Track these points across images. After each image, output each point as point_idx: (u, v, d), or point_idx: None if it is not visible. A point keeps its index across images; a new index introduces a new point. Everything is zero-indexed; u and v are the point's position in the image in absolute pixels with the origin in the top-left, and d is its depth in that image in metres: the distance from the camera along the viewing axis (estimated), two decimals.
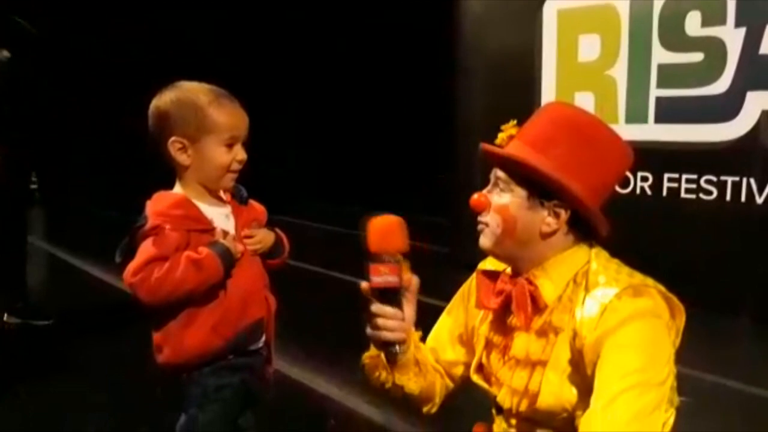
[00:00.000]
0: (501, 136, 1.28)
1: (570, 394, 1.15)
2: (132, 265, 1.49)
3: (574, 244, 1.22)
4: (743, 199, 3.94)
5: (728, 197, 4.01)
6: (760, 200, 3.89)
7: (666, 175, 4.26)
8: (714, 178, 4.06)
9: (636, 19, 4.29)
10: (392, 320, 1.17)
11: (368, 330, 1.20)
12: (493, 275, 1.27)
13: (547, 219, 1.19)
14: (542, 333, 1.20)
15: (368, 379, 1.34)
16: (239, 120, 1.59)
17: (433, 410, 1.42)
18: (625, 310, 1.10)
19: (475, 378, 1.34)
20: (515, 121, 1.29)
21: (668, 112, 4.20)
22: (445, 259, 5.62)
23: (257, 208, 1.75)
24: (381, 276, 1.13)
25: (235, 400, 1.64)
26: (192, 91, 1.56)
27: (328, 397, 2.97)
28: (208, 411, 1.60)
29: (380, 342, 1.21)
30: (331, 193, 9.13)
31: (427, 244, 6.18)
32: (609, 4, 4.41)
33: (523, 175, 1.19)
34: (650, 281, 1.17)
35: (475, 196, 1.24)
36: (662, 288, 1.16)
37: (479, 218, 1.25)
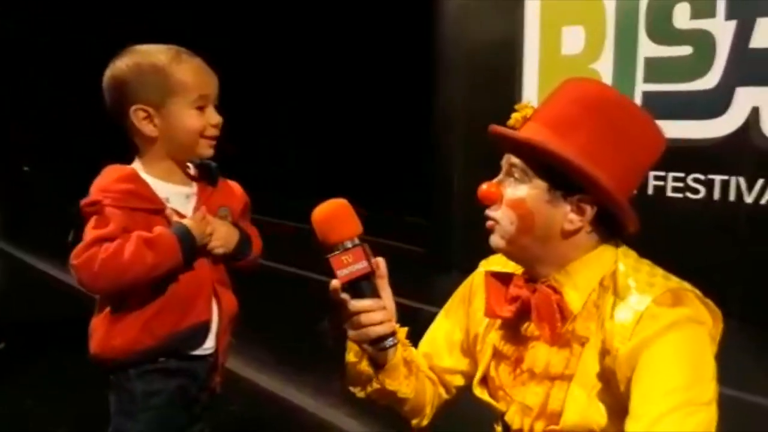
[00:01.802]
0: (515, 117, 1.13)
1: (598, 415, 1.02)
2: (77, 247, 1.35)
3: (598, 244, 1.08)
4: (732, 198, 3.90)
5: (716, 196, 3.96)
6: (749, 199, 3.85)
7: (652, 174, 4.17)
8: (702, 177, 4.02)
9: (622, 10, 4.23)
10: (376, 312, 1.05)
11: (351, 333, 1.07)
12: (503, 278, 1.12)
13: (569, 215, 1.05)
14: (565, 343, 1.06)
15: (352, 390, 1.19)
16: (207, 77, 1.43)
17: (424, 423, 1.27)
18: (664, 317, 0.98)
19: (478, 392, 1.20)
20: (530, 102, 1.14)
21: (655, 107, 4.09)
22: (422, 260, 5.50)
23: (234, 191, 1.56)
24: (348, 267, 1.03)
25: (171, 409, 1.46)
26: (149, 52, 1.42)
27: (301, 408, 2.81)
28: (140, 421, 1.43)
29: (369, 341, 1.07)
30: (312, 191, 9.03)
31: (404, 244, 6.05)
32: None
33: (543, 163, 1.04)
34: (687, 285, 1.04)
35: (484, 186, 1.09)
36: (699, 293, 1.03)
37: (487, 212, 1.10)
